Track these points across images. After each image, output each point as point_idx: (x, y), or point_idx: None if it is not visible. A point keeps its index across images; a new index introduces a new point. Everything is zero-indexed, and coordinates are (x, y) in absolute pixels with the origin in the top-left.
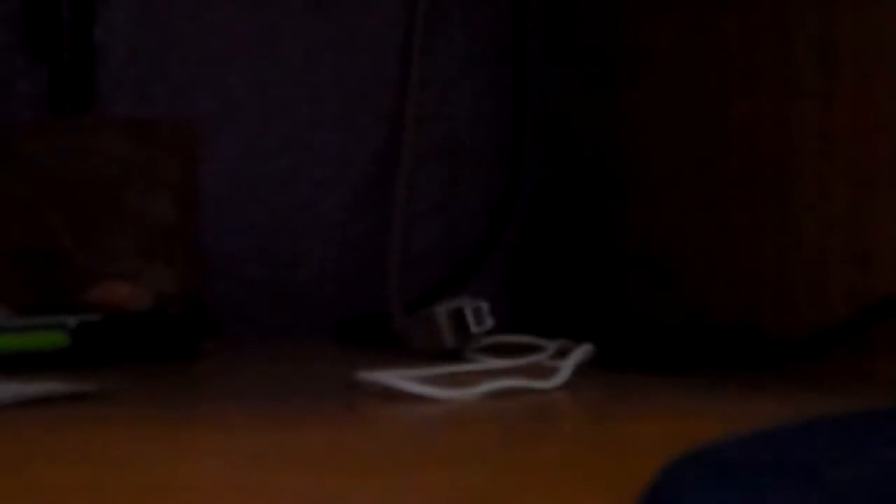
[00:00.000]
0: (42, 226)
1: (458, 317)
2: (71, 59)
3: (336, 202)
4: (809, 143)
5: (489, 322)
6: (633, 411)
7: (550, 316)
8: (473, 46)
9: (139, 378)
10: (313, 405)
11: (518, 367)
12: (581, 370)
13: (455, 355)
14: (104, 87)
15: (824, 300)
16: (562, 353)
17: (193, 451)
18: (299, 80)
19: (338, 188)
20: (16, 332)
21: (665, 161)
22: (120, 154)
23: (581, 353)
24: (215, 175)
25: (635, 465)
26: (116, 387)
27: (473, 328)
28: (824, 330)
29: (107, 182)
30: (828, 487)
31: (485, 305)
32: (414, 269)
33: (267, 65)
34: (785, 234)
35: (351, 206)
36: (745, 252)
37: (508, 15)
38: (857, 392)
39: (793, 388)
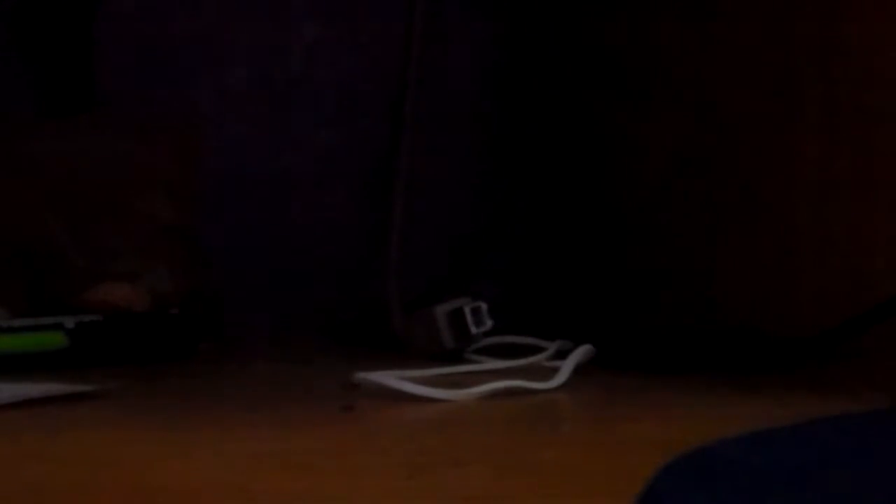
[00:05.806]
0: (42, 226)
1: (457, 317)
2: (71, 58)
3: (336, 202)
4: (810, 145)
5: (488, 323)
6: (632, 412)
7: (550, 317)
8: (473, 46)
9: (138, 378)
10: (312, 405)
11: (517, 368)
12: (581, 371)
13: (454, 356)
14: (104, 87)
15: (824, 300)
16: (561, 354)
17: (192, 451)
18: (299, 80)
19: (338, 188)
20: (15, 333)
21: (664, 162)
22: (120, 154)
23: (581, 353)
24: (215, 175)
25: (634, 466)
26: (115, 387)
27: (473, 329)
28: (825, 331)
29: (107, 182)
30: (826, 488)
31: (484, 306)
32: (414, 269)
33: (267, 65)
34: (785, 235)
35: (351, 206)
36: (745, 252)
37: (509, 16)
38: (857, 393)
39: (792, 389)
